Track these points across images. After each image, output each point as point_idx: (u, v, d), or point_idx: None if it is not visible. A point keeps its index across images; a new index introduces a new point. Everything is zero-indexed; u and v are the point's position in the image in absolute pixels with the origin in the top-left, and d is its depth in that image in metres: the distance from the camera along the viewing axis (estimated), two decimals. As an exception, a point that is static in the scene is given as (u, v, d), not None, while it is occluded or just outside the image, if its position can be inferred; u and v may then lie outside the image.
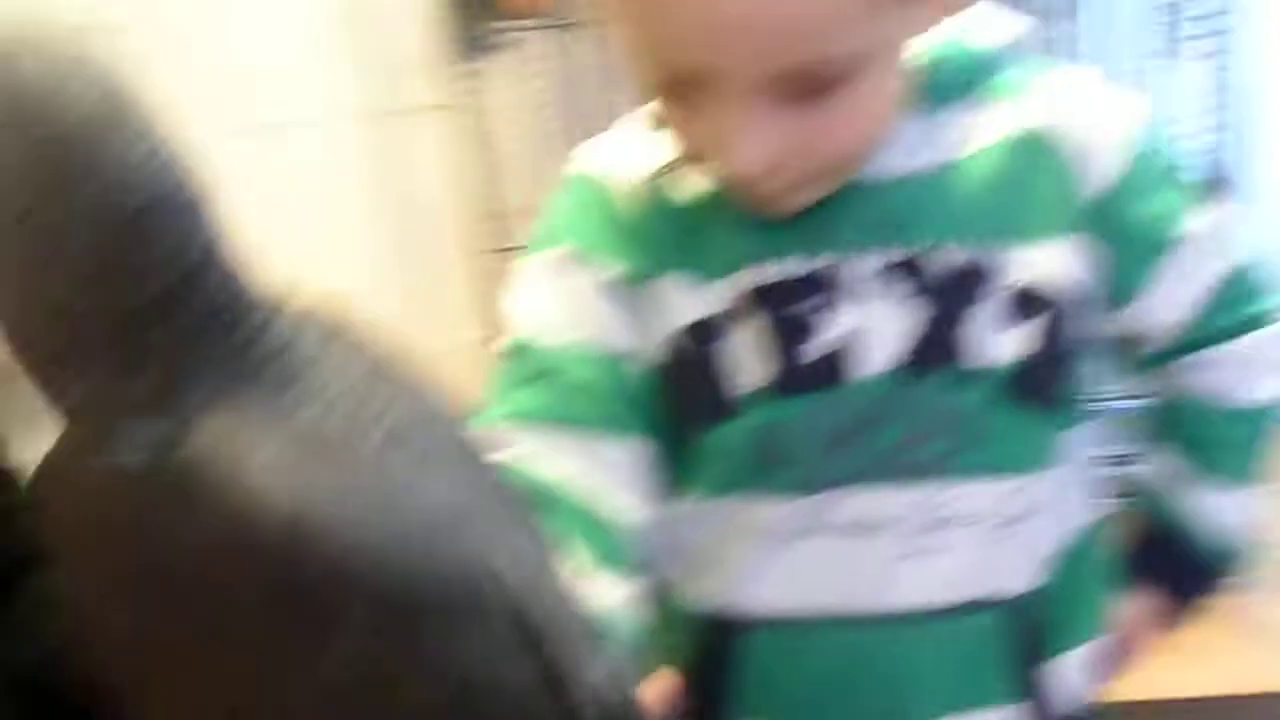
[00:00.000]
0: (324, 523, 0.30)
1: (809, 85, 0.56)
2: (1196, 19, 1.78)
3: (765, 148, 0.57)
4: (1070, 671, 0.69)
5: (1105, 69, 0.70)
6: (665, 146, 0.66)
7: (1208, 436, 0.74)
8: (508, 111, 1.89)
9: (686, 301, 0.64)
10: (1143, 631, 0.76)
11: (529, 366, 0.63)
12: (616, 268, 0.65)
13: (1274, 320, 0.71)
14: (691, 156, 0.63)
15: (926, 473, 0.64)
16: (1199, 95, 1.80)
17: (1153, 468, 0.76)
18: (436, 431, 0.36)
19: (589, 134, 0.72)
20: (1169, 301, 0.68)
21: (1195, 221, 0.67)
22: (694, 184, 0.66)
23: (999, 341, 0.63)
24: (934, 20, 0.61)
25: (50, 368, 0.31)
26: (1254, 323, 0.71)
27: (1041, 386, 0.65)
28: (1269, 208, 1.80)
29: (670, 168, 0.67)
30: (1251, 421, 0.73)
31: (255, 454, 0.30)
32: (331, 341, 0.35)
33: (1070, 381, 0.66)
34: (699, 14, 0.55)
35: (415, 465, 0.34)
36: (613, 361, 0.63)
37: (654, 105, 0.64)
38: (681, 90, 0.58)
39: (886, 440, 0.63)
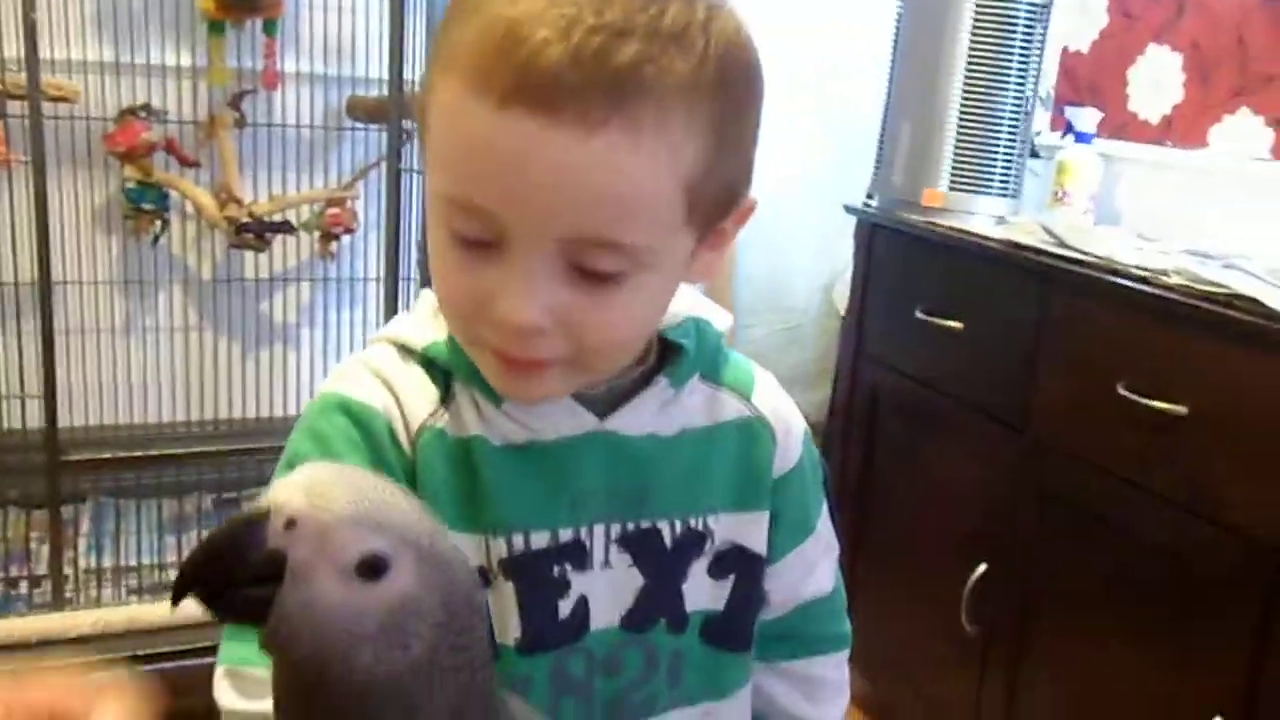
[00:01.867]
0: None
1: (595, 264, 0.59)
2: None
3: (543, 302, 0.59)
4: None
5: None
6: (421, 381, 0.68)
7: None
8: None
9: None
10: None
11: None
12: None
13: (846, 645, 0.85)
14: (459, 309, 0.64)
15: (646, 710, 0.72)
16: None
17: None
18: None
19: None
20: (793, 578, 0.80)
21: (823, 522, 0.81)
22: (455, 426, 0.68)
23: (706, 594, 0.73)
24: (704, 273, 0.65)
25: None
26: (834, 642, 0.84)
27: (736, 630, 0.76)
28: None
29: (435, 413, 0.68)
30: None
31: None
32: None
33: (754, 623, 0.78)
34: (511, 167, 0.56)
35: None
36: None
37: (436, 245, 0.63)
38: (472, 232, 0.60)
39: (611, 687, 0.71)
